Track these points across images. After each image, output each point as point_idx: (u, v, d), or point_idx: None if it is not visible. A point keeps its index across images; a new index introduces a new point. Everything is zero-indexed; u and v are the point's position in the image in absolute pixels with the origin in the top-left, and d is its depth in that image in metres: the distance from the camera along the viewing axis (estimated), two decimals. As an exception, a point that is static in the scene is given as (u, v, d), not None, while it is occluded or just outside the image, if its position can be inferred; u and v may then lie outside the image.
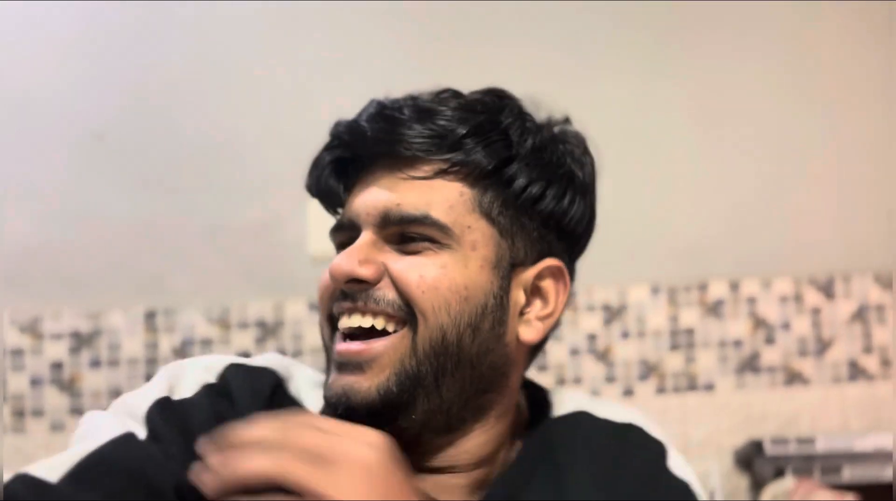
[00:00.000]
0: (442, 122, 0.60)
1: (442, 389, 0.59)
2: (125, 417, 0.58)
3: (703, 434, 1.73)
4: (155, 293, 1.66)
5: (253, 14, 1.71)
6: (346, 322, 0.60)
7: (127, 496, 0.52)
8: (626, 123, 1.78)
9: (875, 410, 1.76)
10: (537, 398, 0.71)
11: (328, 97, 1.75)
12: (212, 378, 0.61)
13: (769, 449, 1.70)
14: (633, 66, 1.79)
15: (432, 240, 0.59)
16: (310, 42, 1.73)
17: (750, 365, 1.76)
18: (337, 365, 0.60)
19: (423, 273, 0.58)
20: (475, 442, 0.62)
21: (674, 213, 1.78)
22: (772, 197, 1.79)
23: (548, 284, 0.64)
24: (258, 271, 1.71)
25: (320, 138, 1.76)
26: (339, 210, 0.67)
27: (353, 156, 0.64)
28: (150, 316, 1.65)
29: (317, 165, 0.67)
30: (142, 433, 0.56)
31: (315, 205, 0.70)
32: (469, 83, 0.66)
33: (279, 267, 1.74)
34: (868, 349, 1.78)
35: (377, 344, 0.59)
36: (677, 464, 0.63)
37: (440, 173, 0.60)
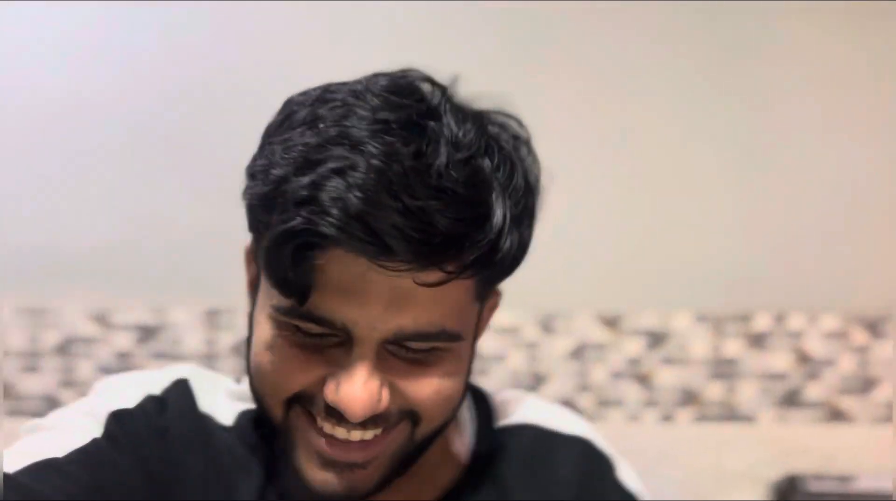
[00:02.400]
0: (474, 217, 0.51)
1: (420, 455, 0.60)
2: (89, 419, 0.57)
3: (739, 466, 1.73)
4: (215, 293, 1.75)
5: (302, 12, 1.75)
6: (343, 434, 0.55)
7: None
8: (673, 149, 1.81)
9: (919, 453, 1.74)
10: (479, 403, 0.69)
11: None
12: (156, 390, 0.62)
13: (809, 485, 1.69)
14: (680, 90, 1.81)
15: (439, 348, 0.55)
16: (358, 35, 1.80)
17: (791, 399, 1.75)
18: (326, 462, 0.56)
19: (438, 389, 0.55)
20: (417, 465, 0.62)
21: (720, 242, 1.79)
22: (822, 231, 1.79)
23: (485, 312, 0.62)
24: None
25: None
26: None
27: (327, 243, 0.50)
28: (210, 314, 1.75)
29: (286, 253, 0.50)
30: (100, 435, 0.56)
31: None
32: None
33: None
34: (915, 391, 1.76)
35: (378, 445, 0.56)
36: (628, 476, 0.63)
37: (455, 274, 0.51)
